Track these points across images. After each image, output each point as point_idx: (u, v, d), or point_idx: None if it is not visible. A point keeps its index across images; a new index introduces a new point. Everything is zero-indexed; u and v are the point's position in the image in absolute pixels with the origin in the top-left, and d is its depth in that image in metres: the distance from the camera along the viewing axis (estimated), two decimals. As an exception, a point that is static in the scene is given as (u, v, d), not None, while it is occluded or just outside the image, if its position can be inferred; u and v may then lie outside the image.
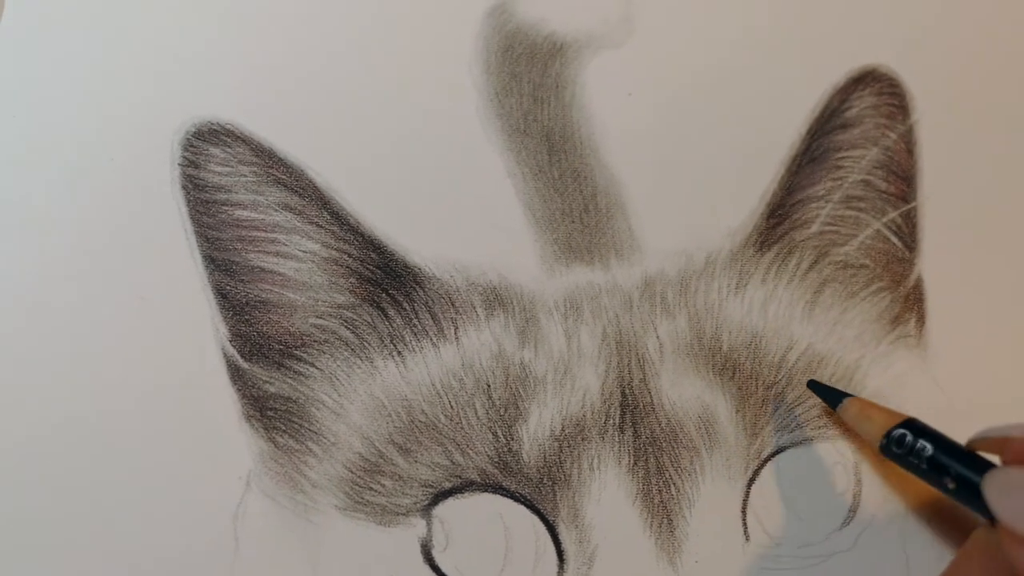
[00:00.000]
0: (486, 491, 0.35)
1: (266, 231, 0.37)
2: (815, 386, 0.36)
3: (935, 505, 0.36)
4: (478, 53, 0.40)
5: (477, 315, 0.37)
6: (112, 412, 0.36)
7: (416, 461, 0.35)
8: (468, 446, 0.35)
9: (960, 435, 0.32)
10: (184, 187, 0.37)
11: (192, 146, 0.38)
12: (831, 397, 0.36)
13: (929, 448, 0.32)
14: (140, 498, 0.35)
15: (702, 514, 0.35)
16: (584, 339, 0.37)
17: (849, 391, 0.36)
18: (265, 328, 0.36)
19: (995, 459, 0.31)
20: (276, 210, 0.37)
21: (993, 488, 0.29)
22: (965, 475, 0.31)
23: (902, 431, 0.33)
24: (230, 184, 0.37)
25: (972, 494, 0.31)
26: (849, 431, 0.36)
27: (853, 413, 0.35)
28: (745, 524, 0.36)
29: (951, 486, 0.31)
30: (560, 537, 0.35)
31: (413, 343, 0.36)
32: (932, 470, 0.32)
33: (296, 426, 0.36)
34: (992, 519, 0.30)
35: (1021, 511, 0.28)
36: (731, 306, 0.37)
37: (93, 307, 0.36)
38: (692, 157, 0.39)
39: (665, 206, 0.39)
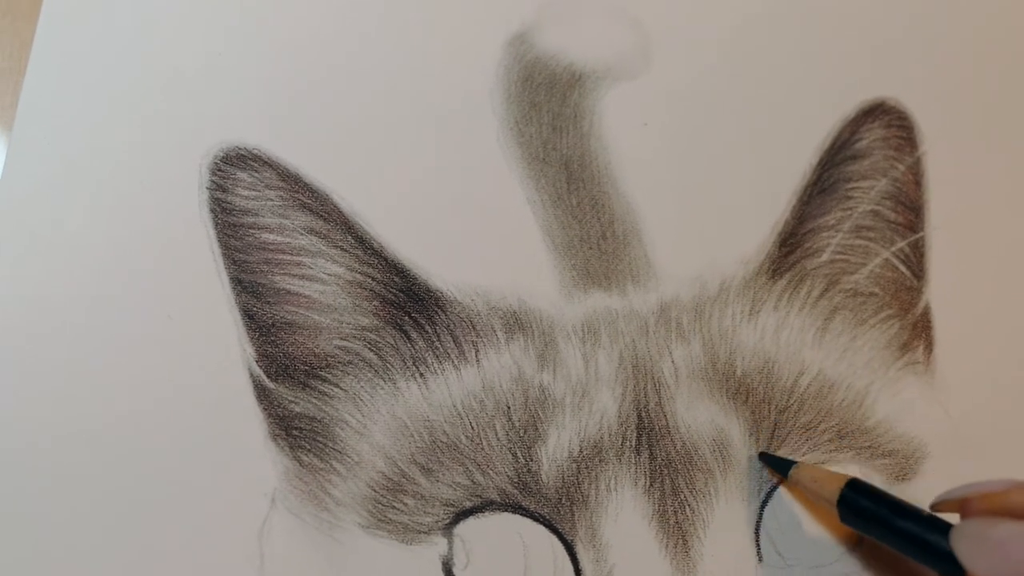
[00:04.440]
0: (506, 511, 0.36)
1: (292, 254, 0.38)
2: (765, 458, 0.37)
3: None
4: (499, 82, 0.41)
5: (497, 338, 0.38)
6: (140, 430, 0.36)
7: (437, 481, 0.36)
8: (488, 466, 0.36)
9: (969, 460, 0.33)
10: (212, 210, 0.38)
11: (220, 170, 0.39)
12: (780, 467, 0.37)
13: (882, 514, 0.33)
14: (167, 514, 0.36)
15: (716, 535, 0.36)
16: (601, 363, 0.38)
17: (859, 417, 0.38)
18: (291, 349, 0.37)
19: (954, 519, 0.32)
20: (302, 234, 0.38)
21: (962, 543, 0.30)
22: (917, 534, 0.31)
23: (852, 497, 0.33)
24: (257, 208, 0.38)
25: (924, 551, 0.31)
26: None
27: (804, 480, 0.36)
28: (758, 545, 0.36)
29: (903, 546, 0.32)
30: (578, 556, 0.36)
31: (435, 365, 0.37)
32: (888, 533, 0.32)
33: (321, 445, 0.36)
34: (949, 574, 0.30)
35: (991, 564, 0.29)
36: (744, 332, 0.38)
37: (123, 326, 0.37)
38: (706, 186, 0.40)
39: (680, 234, 0.40)
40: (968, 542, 0.30)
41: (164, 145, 0.39)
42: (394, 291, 0.38)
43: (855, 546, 0.37)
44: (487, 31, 0.42)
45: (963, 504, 0.31)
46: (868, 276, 0.40)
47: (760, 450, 0.37)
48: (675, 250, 0.39)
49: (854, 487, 0.33)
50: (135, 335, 0.37)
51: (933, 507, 0.33)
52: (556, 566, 0.36)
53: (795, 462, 0.36)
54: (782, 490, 0.37)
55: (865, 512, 0.33)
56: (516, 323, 0.38)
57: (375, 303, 0.38)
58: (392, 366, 0.37)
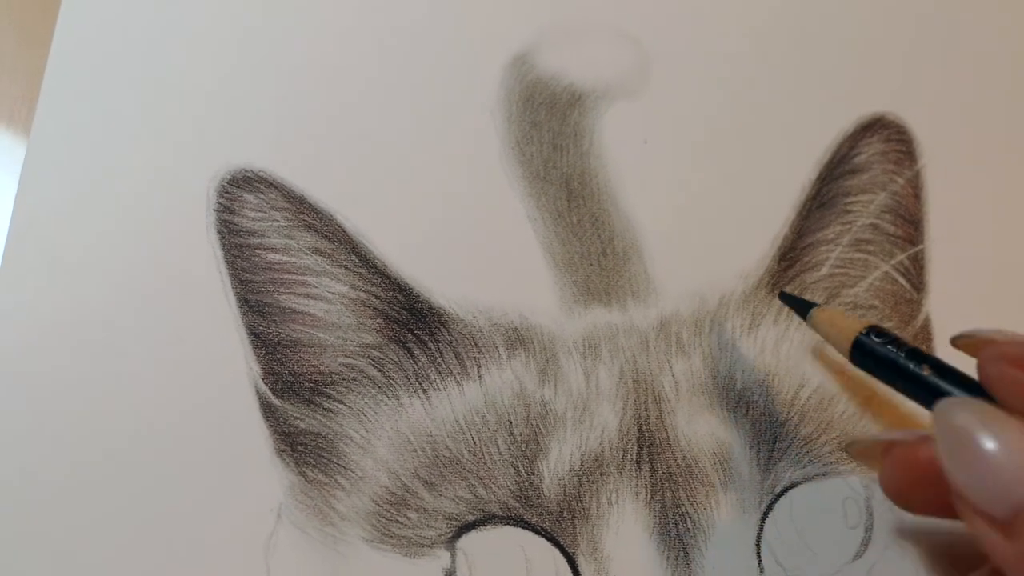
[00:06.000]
0: (508, 524, 0.36)
1: (297, 274, 0.39)
2: (784, 297, 0.38)
3: (947, 539, 0.37)
4: (500, 102, 0.42)
5: (499, 355, 0.38)
6: (148, 447, 0.37)
7: (440, 495, 0.36)
8: (491, 480, 0.37)
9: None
10: (219, 231, 0.39)
11: (227, 192, 0.40)
12: (800, 308, 0.37)
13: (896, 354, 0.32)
14: (175, 529, 0.36)
15: (717, 547, 0.36)
16: (602, 377, 0.38)
17: (860, 429, 0.38)
18: (296, 367, 0.38)
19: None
20: (307, 254, 0.39)
21: (943, 441, 0.27)
22: (927, 380, 0.31)
23: (867, 342, 0.33)
24: (263, 229, 0.39)
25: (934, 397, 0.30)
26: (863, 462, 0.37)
27: (822, 322, 0.35)
28: (759, 557, 0.37)
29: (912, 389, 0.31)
30: (580, 569, 0.36)
31: (438, 381, 0.38)
32: (898, 379, 0.32)
33: (325, 460, 0.37)
34: None
35: (969, 475, 0.26)
36: (744, 346, 0.39)
37: (131, 345, 0.38)
38: (706, 202, 0.41)
39: (680, 249, 0.40)
40: (948, 444, 0.27)
41: (174, 168, 0.40)
42: (397, 309, 0.39)
43: (856, 557, 0.37)
44: (488, 53, 0.42)
45: (982, 345, 0.29)
46: (868, 289, 0.40)
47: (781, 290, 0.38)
48: (675, 265, 0.40)
49: (872, 332, 0.33)
50: (143, 354, 0.38)
51: (952, 342, 0.32)
52: (558, 579, 0.36)
53: (816, 304, 0.36)
54: (783, 502, 0.37)
55: (874, 355, 0.33)
56: (518, 339, 0.38)
57: (379, 321, 0.38)
58: (395, 382, 0.38)
